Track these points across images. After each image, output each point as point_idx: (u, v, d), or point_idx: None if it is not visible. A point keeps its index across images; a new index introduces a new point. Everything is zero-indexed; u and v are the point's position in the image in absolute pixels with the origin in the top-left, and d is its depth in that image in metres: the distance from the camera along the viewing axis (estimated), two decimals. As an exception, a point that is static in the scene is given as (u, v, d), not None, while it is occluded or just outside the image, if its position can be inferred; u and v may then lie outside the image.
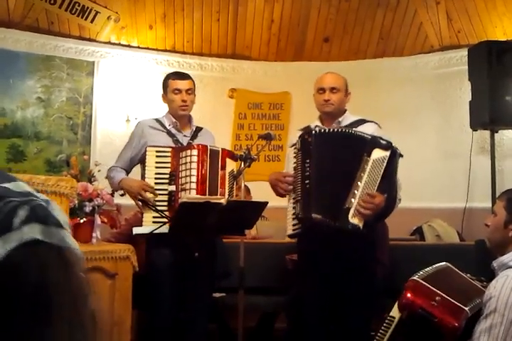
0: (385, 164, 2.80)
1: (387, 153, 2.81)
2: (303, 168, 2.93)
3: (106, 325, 2.82)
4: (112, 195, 3.19)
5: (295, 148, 3.03)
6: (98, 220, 3.06)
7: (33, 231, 0.65)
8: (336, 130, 3.03)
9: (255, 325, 4.15)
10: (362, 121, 3.19)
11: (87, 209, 3.01)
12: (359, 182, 2.81)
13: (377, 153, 2.80)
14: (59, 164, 5.25)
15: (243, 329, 3.40)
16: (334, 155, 2.93)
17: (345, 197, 2.82)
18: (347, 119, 3.20)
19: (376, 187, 2.81)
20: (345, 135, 2.97)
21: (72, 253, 0.69)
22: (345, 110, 3.26)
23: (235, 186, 3.16)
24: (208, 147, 3.08)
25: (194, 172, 2.99)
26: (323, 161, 2.92)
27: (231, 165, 3.17)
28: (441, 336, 1.86)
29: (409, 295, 1.97)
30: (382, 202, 2.80)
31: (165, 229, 2.91)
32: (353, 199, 2.80)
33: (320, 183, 2.89)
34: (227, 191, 3.08)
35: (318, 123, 3.22)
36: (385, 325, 2.00)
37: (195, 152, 3.02)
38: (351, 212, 2.79)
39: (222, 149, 3.18)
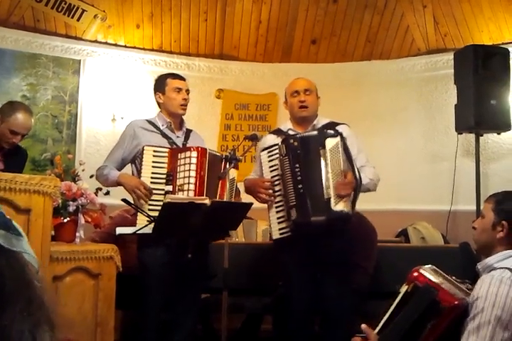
0: (340, 149, 2.96)
1: (338, 139, 2.98)
2: (293, 172, 2.98)
3: (89, 325, 2.80)
4: (96, 194, 3.16)
5: (275, 153, 3.09)
6: (82, 220, 3.03)
7: None
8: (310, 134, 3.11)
9: (240, 326, 4.13)
10: (334, 124, 3.28)
11: (71, 208, 2.97)
12: (327, 173, 2.94)
13: (330, 142, 2.97)
14: (43, 163, 5.21)
15: (227, 331, 3.39)
16: (309, 158, 3.01)
17: (322, 190, 2.92)
18: (320, 122, 3.29)
19: (342, 169, 2.96)
20: (307, 137, 3.07)
21: (30, 262, 0.70)
22: (317, 114, 3.34)
23: (234, 192, 3.17)
24: (208, 150, 3.08)
25: (193, 173, 2.98)
26: (308, 165, 2.99)
27: (233, 173, 3.19)
28: (440, 311, 1.88)
29: (416, 273, 2.02)
30: (352, 177, 2.96)
31: (148, 229, 2.89)
32: (329, 190, 2.90)
33: (310, 186, 2.97)
34: (227, 196, 3.08)
35: (290, 126, 3.26)
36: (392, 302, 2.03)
37: (194, 154, 3.01)
38: (332, 201, 2.89)
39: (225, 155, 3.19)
